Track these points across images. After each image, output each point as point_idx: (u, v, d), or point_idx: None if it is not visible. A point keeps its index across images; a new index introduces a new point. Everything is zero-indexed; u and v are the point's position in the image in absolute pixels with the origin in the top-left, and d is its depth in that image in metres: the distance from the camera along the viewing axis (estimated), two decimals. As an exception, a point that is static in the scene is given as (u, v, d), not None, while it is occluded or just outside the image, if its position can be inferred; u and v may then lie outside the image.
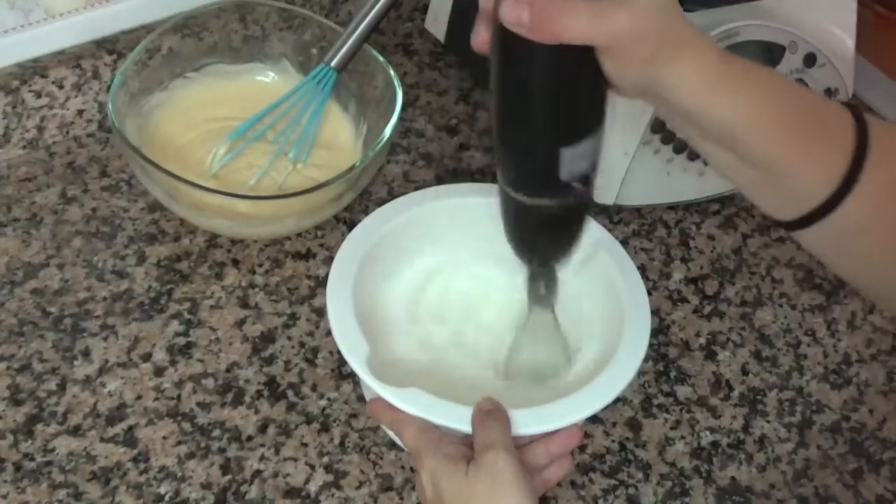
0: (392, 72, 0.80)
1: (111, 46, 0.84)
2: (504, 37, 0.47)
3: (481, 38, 0.50)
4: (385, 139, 0.75)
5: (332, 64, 0.79)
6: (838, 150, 0.50)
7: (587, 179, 0.53)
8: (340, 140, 0.84)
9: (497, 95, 0.51)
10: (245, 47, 0.85)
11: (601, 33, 0.47)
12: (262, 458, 0.68)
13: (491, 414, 0.57)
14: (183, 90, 0.83)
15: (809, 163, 0.51)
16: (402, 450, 0.68)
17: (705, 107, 0.50)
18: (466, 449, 0.57)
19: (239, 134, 0.80)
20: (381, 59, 0.81)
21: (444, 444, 0.57)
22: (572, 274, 0.69)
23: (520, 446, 0.58)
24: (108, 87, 0.84)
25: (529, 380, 0.66)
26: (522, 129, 0.51)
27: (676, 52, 0.48)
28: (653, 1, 0.47)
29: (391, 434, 0.66)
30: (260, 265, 0.79)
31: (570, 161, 0.51)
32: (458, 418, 0.57)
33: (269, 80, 0.87)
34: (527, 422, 0.58)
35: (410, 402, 0.58)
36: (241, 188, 0.78)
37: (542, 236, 0.57)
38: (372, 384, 0.58)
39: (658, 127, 0.79)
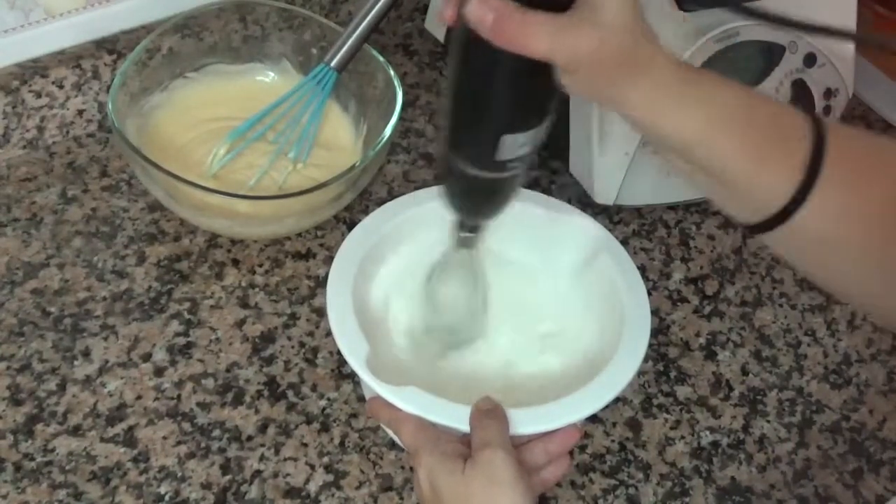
0: (392, 72, 0.80)
1: (111, 46, 0.84)
2: (466, 27, 0.48)
3: (449, 15, 0.50)
4: (385, 139, 0.75)
5: (332, 64, 0.79)
6: (794, 160, 0.51)
7: (525, 159, 0.54)
8: (340, 140, 0.84)
9: (452, 74, 0.52)
10: (245, 47, 0.85)
11: (562, 53, 0.47)
12: (262, 458, 0.68)
13: (489, 413, 0.57)
14: (183, 90, 0.83)
15: (764, 173, 0.51)
16: (402, 450, 0.68)
17: (660, 123, 0.50)
18: (464, 447, 0.57)
19: (239, 134, 0.80)
20: (381, 59, 0.81)
21: (442, 442, 0.57)
22: (574, 274, 0.69)
23: (518, 445, 0.58)
24: (109, 87, 0.84)
25: (447, 325, 0.67)
26: (469, 111, 0.52)
27: (634, 74, 0.49)
28: (618, 20, 0.47)
29: (391, 433, 0.66)
30: (260, 265, 0.79)
31: (511, 146, 0.52)
32: (456, 417, 0.57)
33: (269, 80, 0.87)
34: (525, 421, 0.58)
35: (408, 400, 0.58)
36: (241, 188, 0.78)
37: (474, 199, 0.58)
38: (370, 382, 0.58)
39: (658, 127, 0.79)
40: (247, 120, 0.80)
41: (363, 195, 0.82)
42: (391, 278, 0.69)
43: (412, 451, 0.58)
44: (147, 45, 0.79)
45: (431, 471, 0.56)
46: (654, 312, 0.79)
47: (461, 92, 0.52)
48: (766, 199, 0.52)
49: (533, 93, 0.51)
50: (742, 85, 0.52)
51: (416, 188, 0.71)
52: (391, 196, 0.79)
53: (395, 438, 0.64)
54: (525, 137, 0.52)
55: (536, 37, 0.46)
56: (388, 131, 0.76)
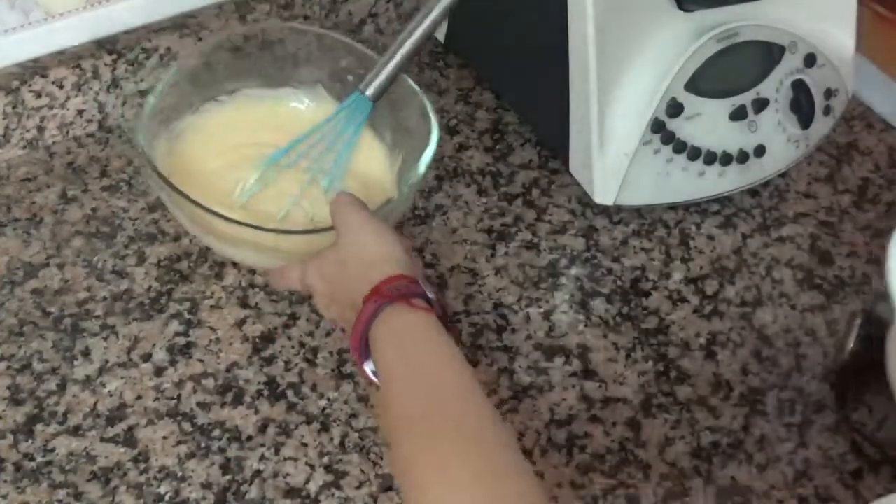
0: (428, 104, 0.75)
1: (111, 46, 0.84)
2: None
3: None
4: (420, 176, 0.72)
5: (368, 93, 0.76)
6: None
7: None
8: (374, 170, 0.79)
9: None
10: (279, 72, 0.81)
11: None
12: (262, 458, 0.68)
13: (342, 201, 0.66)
14: (214, 114, 0.79)
15: None
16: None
17: None
18: None
19: (272, 162, 0.76)
20: (417, 89, 0.77)
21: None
22: None
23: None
24: (109, 87, 0.84)
25: None
26: None
27: None
28: None
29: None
30: (260, 265, 0.79)
31: None
32: None
33: (303, 107, 0.82)
34: None
35: None
36: (270, 219, 0.73)
37: None
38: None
39: (658, 127, 0.79)
40: (280, 148, 0.76)
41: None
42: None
43: (306, 289, 0.66)
44: (179, 67, 0.76)
45: (314, 271, 0.64)
46: (655, 312, 0.79)
47: None
48: None
49: None
50: None
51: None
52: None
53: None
54: None
55: None
56: (422, 168, 0.72)
